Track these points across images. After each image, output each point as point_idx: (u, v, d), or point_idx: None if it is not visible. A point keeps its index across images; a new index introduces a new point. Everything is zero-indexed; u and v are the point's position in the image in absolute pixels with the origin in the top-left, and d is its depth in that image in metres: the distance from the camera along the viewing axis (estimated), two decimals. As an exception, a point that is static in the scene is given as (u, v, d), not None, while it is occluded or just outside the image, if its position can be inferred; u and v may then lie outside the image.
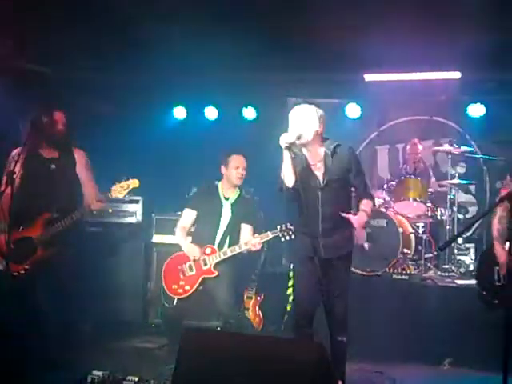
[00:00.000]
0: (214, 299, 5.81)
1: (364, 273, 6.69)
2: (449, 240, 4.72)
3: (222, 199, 5.95)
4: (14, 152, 5.34)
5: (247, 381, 3.91)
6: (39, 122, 5.34)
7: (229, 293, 5.76)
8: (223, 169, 5.93)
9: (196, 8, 5.90)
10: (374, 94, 7.95)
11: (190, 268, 5.79)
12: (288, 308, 6.35)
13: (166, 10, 5.95)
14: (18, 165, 5.10)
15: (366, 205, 4.81)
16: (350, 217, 4.69)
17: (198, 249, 5.74)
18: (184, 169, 8.10)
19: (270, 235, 5.51)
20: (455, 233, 6.98)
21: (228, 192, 5.97)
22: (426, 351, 5.87)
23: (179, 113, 8.75)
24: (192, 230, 6.06)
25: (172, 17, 6.05)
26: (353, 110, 8.24)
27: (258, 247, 5.62)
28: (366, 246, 6.68)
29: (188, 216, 5.97)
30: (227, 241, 5.87)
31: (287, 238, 5.32)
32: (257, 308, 6.58)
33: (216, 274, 5.71)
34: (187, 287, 5.76)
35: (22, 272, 5.19)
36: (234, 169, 5.86)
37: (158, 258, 6.99)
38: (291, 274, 6.05)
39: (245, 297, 6.62)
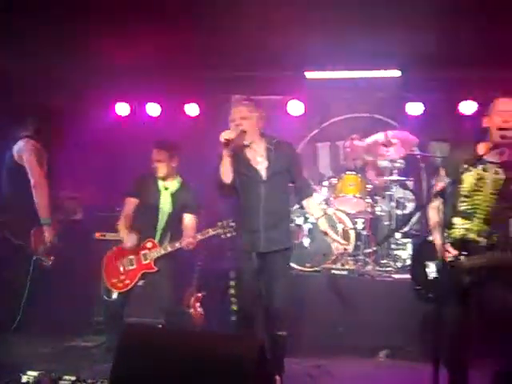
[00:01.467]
0: (156, 295, 5.79)
1: (304, 268, 6.76)
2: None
3: (162, 189, 5.89)
4: None
5: (188, 378, 3.93)
6: None
7: (170, 289, 5.75)
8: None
9: (137, 6, 5.87)
10: (315, 91, 8.04)
11: (130, 262, 5.76)
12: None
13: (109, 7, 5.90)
14: None
15: (312, 207, 5.09)
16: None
17: (135, 237, 5.71)
18: (126, 165, 8.02)
19: (210, 232, 5.52)
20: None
21: (167, 182, 5.91)
22: (363, 344, 5.99)
23: (121, 109, 8.67)
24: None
25: (114, 15, 6.00)
26: (295, 107, 8.28)
27: (192, 246, 5.63)
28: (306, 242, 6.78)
29: (130, 204, 5.89)
30: (168, 234, 5.85)
31: (228, 235, 5.35)
32: (198, 304, 6.59)
33: (156, 269, 5.69)
34: (127, 281, 5.74)
35: None
36: (155, 162, 5.82)
37: (99, 256, 6.89)
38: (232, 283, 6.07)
39: (186, 293, 6.62)
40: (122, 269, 5.78)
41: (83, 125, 7.59)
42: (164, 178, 5.88)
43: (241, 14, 6.20)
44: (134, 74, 7.54)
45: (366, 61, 7.43)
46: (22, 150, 5.57)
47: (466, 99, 7.72)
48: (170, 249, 5.68)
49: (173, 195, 5.90)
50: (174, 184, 5.94)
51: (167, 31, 6.54)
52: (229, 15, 6.24)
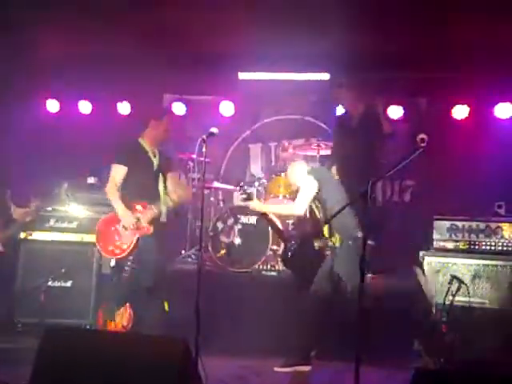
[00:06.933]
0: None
1: (234, 270, 6.79)
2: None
3: (151, 156, 5.94)
4: None
5: (110, 380, 3.92)
6: None
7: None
8: (154, 123, 5.96)
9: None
10: (247, 92, 8.12)
11: (125, 227, 5.72)
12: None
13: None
14: None
15: None
16: None
17: (131, 217, 5.70)
18: (56, 163, 7.89)
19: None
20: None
21: (153, 149, 5.98)
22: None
23: (52, 106, 8.54)
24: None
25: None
26: (227, 108, 8.36)
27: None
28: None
29: (119, 171, 5.83)
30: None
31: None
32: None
33: (152, 230, 5.73)
34: (124, 246, 5.72)
35: None
36: (165, 130, 5.98)
37: (26, 255, 6.73)
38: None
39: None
40: (116, 235, 5.75)
41: (15, 121, 7.47)
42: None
43: (177, 15, 6.24)
44: (67, 70, 7.46)
45: (297, 63, 7.55)
46: None
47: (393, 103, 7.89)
48: (170, 203, 5.85)
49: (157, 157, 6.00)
50: (157, 151, 6.04)
51: (102, 28, 6.51)
52: (166, 16, 6.28)
